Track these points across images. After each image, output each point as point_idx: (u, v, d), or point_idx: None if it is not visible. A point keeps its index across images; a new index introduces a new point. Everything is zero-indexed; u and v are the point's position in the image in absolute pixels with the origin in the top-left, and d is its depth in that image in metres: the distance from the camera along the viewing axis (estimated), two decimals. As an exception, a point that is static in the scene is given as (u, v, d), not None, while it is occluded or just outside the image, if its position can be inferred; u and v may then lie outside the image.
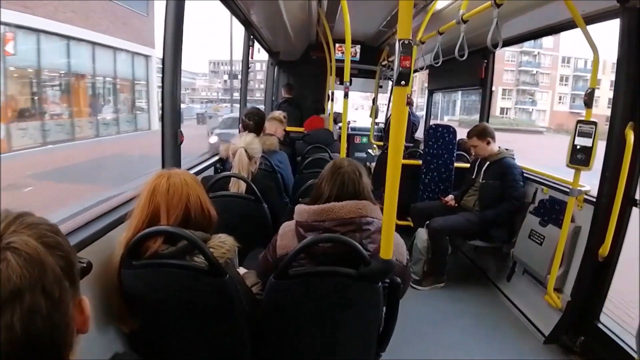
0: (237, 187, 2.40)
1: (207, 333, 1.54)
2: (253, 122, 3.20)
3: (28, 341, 0.55)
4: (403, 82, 1.21)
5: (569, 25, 2.97)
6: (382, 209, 1.45)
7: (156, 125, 21.14)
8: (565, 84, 43.47)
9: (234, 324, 1.50)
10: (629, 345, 2.28)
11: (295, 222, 1.60)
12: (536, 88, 44.81)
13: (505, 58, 43.04)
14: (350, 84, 3.05)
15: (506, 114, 45.01)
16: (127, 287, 1.44)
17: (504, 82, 44.79)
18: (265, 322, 1.56)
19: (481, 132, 3.47)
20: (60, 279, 0.60)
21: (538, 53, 43.36)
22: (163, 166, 2.32)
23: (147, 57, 20.47)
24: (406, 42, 1.19)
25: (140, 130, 20.45)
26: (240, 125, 3.21)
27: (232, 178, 2.42)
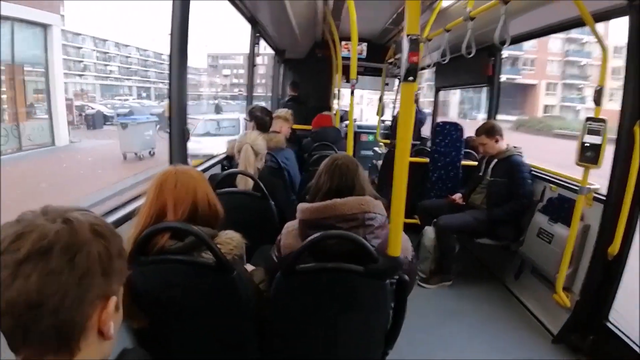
0: (244, 183, 2.41)
1: (214, 329, 1.55)
2: (270, 118, 3.29)
3: (38, 299, 0.59)
4: (411, 78, 1.21)
5: (577, 22, 2.95)
6: (388, 207, 1.44)
7: (65, 138, 14.48)
8: (619, 77, 37.12)
9: (241, 320, 1.51)
10: (638, 345, 2.26)
11: (298, 220, 1.60)
12: (585, 82, 36.96)
13: (549, 47, 37.23)
14: (357, 82, 3.04)
15: (551, 112, 38.39)
16: (135, 283, 1.44)
17: (548, 75, 38.61)
18: (271, 319, 1.56)
19: (490, 130, 3.45)
20: (94, 262, 0.65)
21: (586, 41, 35.68)
22: (170, 162, 2.33)
23: (45, 27, 13.10)
24: (414, 37, 1.19)
25: (33, 147, 12.67)
26: (253, 122, 3.21)
27: (239, 175, 2.42)
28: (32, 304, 0.59)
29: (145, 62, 56.91)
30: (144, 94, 54.60)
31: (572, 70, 38.21)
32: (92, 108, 24.64)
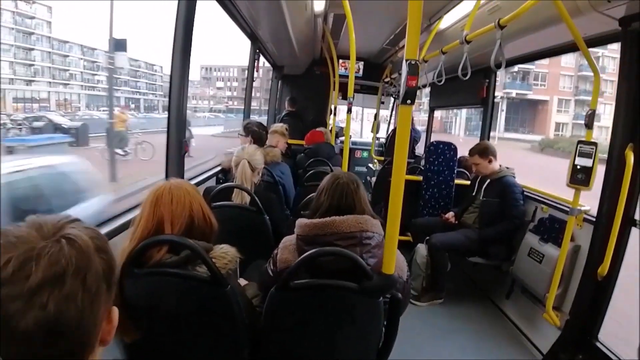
0: (240, 198, 2.42)
1: (206, 343, 1.54)
2: (265, 132, 3.39)
3: (56, 326, 0.57)
4: (409, 101, 1.24)
5: (571, 47, 3.01)
6: (382, 224, 1.46)
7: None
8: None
9: (233, 334, 1.50)
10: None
11: (296, 235, 1.61)
12: (599, 98, 31.08)
13: (562, 61, 34.98)
14: (353, 100, 3.08)
15: (563, 130, 36.14)
16: (129, 296, 1.44)
17: (561, 91, 36.61)
18: (264, 334, 1.56)
19: (483, 151, 3.49)
20: (100, 278, 0.64)
21: (602, 55, 29.87)
22: (167, 176, 2.34)
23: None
24: (413, 62, 1.22)
25: None
26: (250, 136, 3.24)
27: (234, 189, 2.43)
28: (51, 332, 0.57)
29: (136, 73, 54.91)
30: (132, 105, 52.33)
31: (585, 86, 35.77)
32: (50, 119, 19.64)
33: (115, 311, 0.70)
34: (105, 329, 0.67)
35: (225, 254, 1.47)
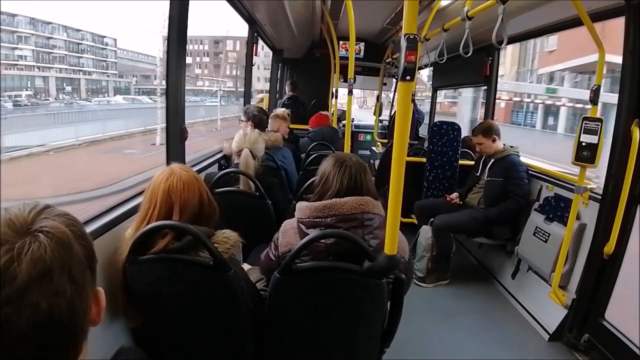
0: (248, 186, 2.40)
1: (210, 328, 1.55)
2: (266, 117, 3.39)
3: (50, 323, 0.56)
4: (408, 77, 1.21)
5: (574, 22, 2.96)
6: (386, 206, 1.45)
7: None
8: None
9: (237, 319, 1.51)
10: (633, 343, 2.27)
11: (296, 219, 1.60)
12: None
13: None
14: (354, 82, 3.04)
15: None
16: (132, 282, 1.45)
17: None
18: (268, 318, 1.56)
19: (487, 130, 3.45)
20: (84, 266, 0.63)
21: None
22: (168, 162, 2.33)
23: None
24: (411, 36, 1.18)
25: None
26: (250, 122, 3.22)
27: (242, 179, 2.42)
28: (45, 329, 0.56)
29: (79, 47, 43.97)
30: (68, 88, 41.46)
31: None
32: None
33: (101, 292, 0.68)
34: (94, 311, 0.67)
35: (227, 238, 1.47)
